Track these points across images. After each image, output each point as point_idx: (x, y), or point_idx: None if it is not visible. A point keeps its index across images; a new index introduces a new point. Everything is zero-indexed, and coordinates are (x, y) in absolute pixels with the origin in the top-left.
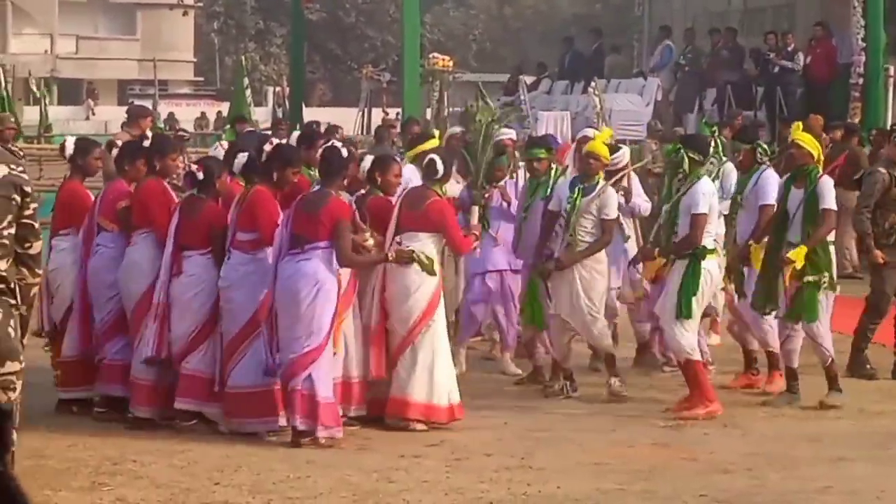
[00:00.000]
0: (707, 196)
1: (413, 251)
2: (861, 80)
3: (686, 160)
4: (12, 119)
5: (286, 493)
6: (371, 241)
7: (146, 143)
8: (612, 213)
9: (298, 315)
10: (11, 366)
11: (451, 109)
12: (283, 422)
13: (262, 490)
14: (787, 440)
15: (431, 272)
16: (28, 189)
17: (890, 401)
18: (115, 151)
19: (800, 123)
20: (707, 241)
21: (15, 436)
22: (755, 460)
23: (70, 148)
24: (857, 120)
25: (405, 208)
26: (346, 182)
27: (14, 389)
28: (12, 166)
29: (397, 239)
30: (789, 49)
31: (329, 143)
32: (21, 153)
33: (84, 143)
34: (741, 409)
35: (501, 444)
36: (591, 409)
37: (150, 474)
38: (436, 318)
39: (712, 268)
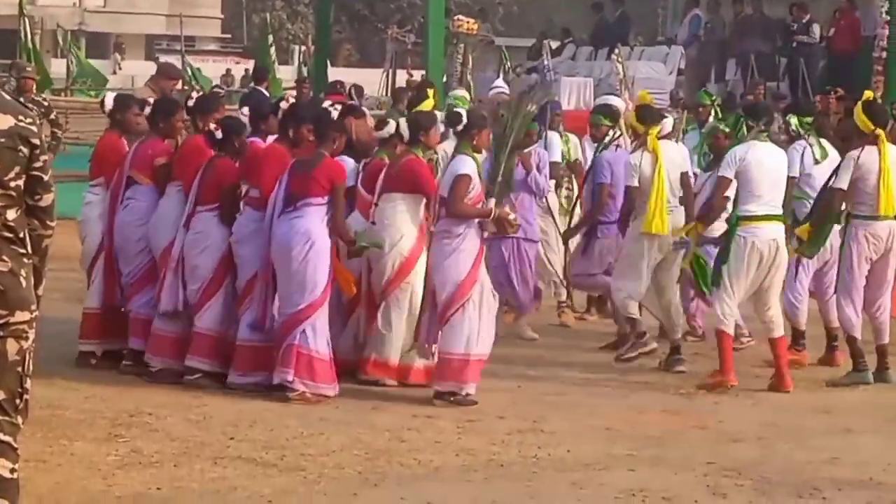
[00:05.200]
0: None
1: (362, 249)
2: (884, 54)
3: (745, 128)
4: (28, 69)
5: (299, 450)
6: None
7: (191, 103)
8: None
9: (291, 272)
10: (22, 315)
11: (473, 73)
12: (277, 378)
13: (275, 446)
14: (798, 411)
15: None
16: (36, 141)
17: None
18: (147, 109)
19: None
20: (751, 207)
21: (29, 384)
22: (765, 430)
23: (109, 103)
24: (879, 93)
25: (388, 169)
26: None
27: (26, 338)
28: (20, 118)
29: (376, 201)
30: (804, 21)
31: (323, 107)
32: (46, 103)
33: (123, 99)
34: (753, 380)
35: (514, 408)
36: (605, 375)
37: (165, 427)
38: (411, 280)
39: (753, 235)
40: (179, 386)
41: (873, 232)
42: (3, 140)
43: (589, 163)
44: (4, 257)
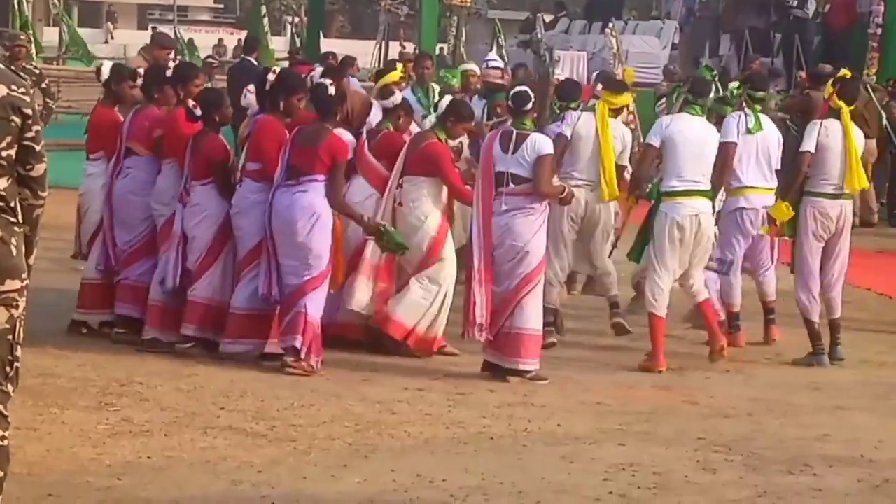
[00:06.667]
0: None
1: (380, 226)
2: (879, 30)
3: (683, 100)
4: (21, 37)
5: (290, 421)
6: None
7: (168, 73)
8: None
9: (296, 246)
10: (12, 283)
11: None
12: (271, 347)
13: (266, 416)
14: (789, 387)
15: (389, 248)
16: (28, 111)
17: (893, 352)
18: (139, 80)
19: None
20: (673, 182)
21: (19, 352)
22: (756, 406)
23: (106, 73)
24: (874, 70)
25: (409, 150)
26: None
27: (17, 307)
28: (13, 87)
29: (400, 181)
30: None
31: (318, 82)
32: (38, 71)
33: (120, 69)
34: (743, 356)
35: (505, 381)
36: (596, 350)
37: (156, 397)
38: (443, 255)
39: (673, 211)
40: (171, 355)
41: (822, 210)
42: None
43: None
44: None
